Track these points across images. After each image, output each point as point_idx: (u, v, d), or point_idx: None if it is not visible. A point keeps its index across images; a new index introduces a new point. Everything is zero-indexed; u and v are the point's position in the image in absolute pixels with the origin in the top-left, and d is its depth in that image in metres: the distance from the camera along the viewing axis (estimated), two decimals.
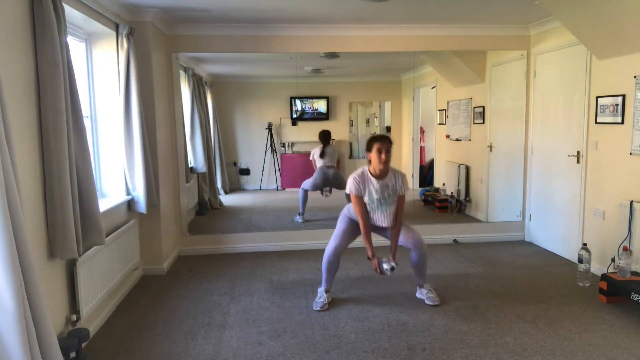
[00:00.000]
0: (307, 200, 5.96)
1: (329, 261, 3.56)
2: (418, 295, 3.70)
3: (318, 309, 3.49)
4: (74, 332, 2.72)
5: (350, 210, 3.58)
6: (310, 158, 6.13)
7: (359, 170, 3.45)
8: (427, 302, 3.57)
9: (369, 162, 3.44)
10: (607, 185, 4.07)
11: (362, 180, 3.41)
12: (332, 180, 6.00)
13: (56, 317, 2.72)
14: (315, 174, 6.02)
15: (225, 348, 2.93)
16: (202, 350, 2.92)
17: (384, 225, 3.49)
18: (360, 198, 3.41)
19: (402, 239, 3.50)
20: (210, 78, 6.66)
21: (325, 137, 6.04)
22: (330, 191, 6.13)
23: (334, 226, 3.66)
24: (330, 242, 3.58)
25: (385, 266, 3.30)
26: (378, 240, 3.57)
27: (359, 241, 3.52)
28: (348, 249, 3.62)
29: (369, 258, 3.39)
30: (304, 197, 5.95)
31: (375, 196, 3.40)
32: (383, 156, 3.32)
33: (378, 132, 7.28)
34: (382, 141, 3.35)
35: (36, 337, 2.06)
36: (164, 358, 2.83)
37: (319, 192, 6.12)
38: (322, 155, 5.96)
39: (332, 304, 3.59)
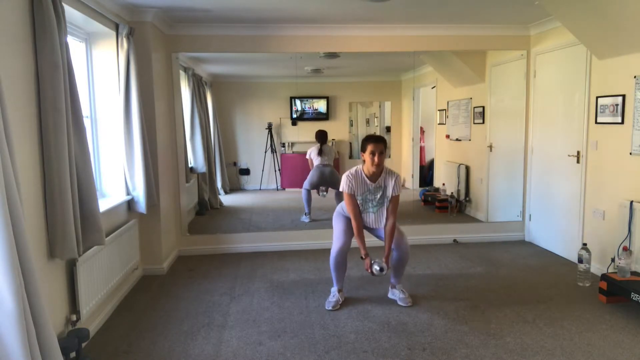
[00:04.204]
0: (311, 199, 5.97)
1: (337, 262, 3.51)
2: (390, 296, 3.67)
3: (330, 308, 3.47)
4: (74, 332, 2.72)
5: (344, 208, 3.54)
6: (307, 157, 6.16)
7: (353, 169, 3.43)
8: (399, 303, 3.54)
9: (363, 162, 3.40)
10: (607, 185, 4.07)
11: (356, 180, 3.38)
12: (328, 179, 6.03)
13: (56, 317, 2.72)
14: (311, 172, 6.05)
15: (225, 348, 2.94)
16: (202, 350, 2.92)
17: (375, 226, 3.48)
18: (352, 197, 3.39)
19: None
20: (210, 78, 6.66)
21: (322, 136, 6.10)
22: (326, 191, 6.16)
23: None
24: (334, 243, 3.52)
25: (376, 267, 3.31)
26: (371, 240, 3.57)
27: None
28: (350, 248, 3.61)
29: (361, 257, 3.39)
30: (308, 196, 5.96)
31: (368, 196, 3.39)
32: (376, 159, 3.27)
33: (378, 132, 7.26)
34: (377, 142, 3.29)
35: (36, 337, 2.06)
36: (164, 358, 2.83)
37: (316, 192, 6.13)
38: (320, 153, 6.00)
39: None
